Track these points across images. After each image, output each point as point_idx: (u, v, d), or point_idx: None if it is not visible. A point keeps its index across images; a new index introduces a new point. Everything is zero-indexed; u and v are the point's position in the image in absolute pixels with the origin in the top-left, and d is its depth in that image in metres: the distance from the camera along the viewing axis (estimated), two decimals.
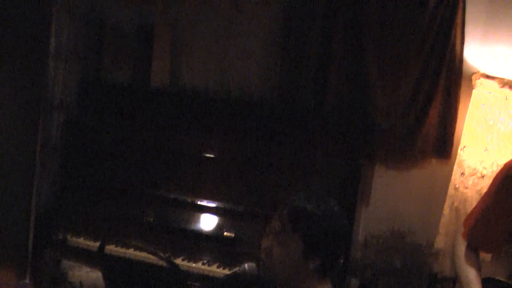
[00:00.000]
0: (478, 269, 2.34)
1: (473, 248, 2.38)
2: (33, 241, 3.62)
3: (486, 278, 2.34)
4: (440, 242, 3.48)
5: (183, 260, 3.42)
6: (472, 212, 2.43)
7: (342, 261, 2.18)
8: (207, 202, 3.60)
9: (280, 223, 2.13)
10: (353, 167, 3.59)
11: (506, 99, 3.35)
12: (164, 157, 3.75)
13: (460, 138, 3.47)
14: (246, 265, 2.13)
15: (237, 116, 3.79)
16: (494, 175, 2.44)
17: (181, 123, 3.84)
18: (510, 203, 2.18)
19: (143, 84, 4.08)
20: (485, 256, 3.01)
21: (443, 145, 3.58)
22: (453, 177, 3.45)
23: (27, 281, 2.72)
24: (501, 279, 2.35)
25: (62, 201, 3.78)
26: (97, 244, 3.40)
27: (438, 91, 3.55)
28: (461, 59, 3.51)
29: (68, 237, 3.55)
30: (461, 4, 3.48)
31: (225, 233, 3.49)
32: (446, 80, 3.54)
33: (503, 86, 3.33)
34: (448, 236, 3.42)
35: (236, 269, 2.16)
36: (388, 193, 3.67)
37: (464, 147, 3.42)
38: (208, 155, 3.69)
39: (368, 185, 3.69)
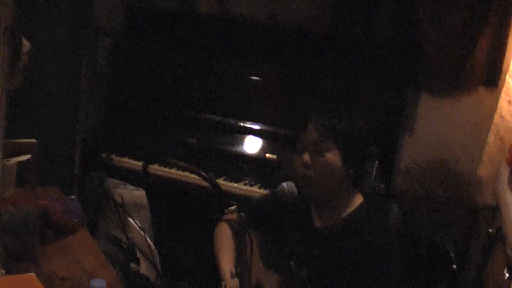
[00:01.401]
0: None
1: None
2: (80, 160, 3.70)
3: None
4: (483, 171, 3.45)
5: (225, 180, 3.49)
6: None
7: (374, 178, 2.21)
8: (250, 124, 3.64)
9: (313, 136, 2.15)
10: (397, 94, 3.56)
11: None
12: (208, 81, 3.78)
13: (510, 65, 3.39)
14: (285, 184, 2.15)
15: (284, 42, 3.78)
16: None
17: (227, 48, 3.87)
18: None
19: (190, 10, 4.06)
20: None
21: (492, 73, 3.51)
22: (499, 105, 3.39)
23: (73, 197, 2.79)
24: None
25: (108, 123, 3.88)
26: (141, 163, 3.47)
27: (489, 18, 3.46)
28: None
29: (113, 156, 3.65)
30: None
31: (267, 155, 3.53)
32: (497, 8, 3.45)
33: None
34: (492, 165, 3.38)
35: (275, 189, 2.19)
36: (433, 121, 3.63)
37: None
38: (253, 77, 3.70)
39: (413, 113, 3.65)
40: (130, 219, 2.80)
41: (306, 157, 2.16)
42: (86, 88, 3.67)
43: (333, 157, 2.13)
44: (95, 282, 1.71)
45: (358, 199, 2.24)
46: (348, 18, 3.72)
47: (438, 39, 3.51)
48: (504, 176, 2.40)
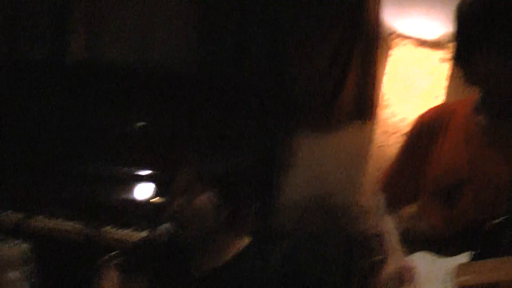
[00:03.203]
0: (398, 220, 2.41)
1: (392, 201, 2.45)
2: None
3: (406, 228, 2.41)
4: (364, 201, 3.55)
5: (112, 228, 3.42)
6: (388, 166, 2.50)
7: (255, 214, 2.25)
8: (134, 170, 3.61)
9: (188, 177, 2.18)
10: (271, 135, 3.65)
11: (425, 57, 3.44)
12: (84, 130, 3.72)
13: (381, 98, 3.55)
14: (162, 226, 2.17)
15: (158, 86, 3.77)
16: None
17: (102, 96, 3.80)
18: (419, 155, 2.25)
19: (59, 59, 3.99)
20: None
21: (364, 107, 3.65)
22: (376, 136, 3.53)
23: None
24: (421, 229, 2.41)
25: None
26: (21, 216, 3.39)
27: (355, 55, 3.61)
28: (377, 22, 3.58)
29: None
30: None
31: (152, 200, 3.52)
32: (363, 43, 3.61)
33: (420, 45, 3.42)
34: (372, 195, 3.49)
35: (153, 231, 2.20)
36: (310, 157, 3.72)
37: (386, 106, 3.50)
38: (134, 125, 3.68)
39: (289, 150, 3.72)
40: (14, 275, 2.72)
41: (174, 205, 2.19)
42: None
43: (202, 202, 2.16)
44: None
45: (239, 242, 2.27)
46: (218, 55, 3.79)
47: (306, 77, 3.62)
48: (380, 202, 2.48)
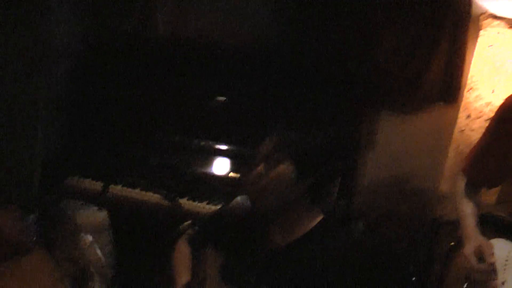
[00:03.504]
0: (476, 204, 2.35)
1: (472, 184, 2.39)
2: (40, 182, 3.67)
3: (484, 213, 2.35)
4: (445, 186, 3.48)
5: (188, 200, 3.46)
6: (472, 148, 2.44)
7: (334, 192, 2.20)
8: (213, 144, 3.63)
9: (268, 149, 2.15)
10: (358, 110, 3.58)
11: None
12: (169, 101, 3.77)
13: (467, 80, 3.44)
14: (238, 198, 2.14)
15: (243, 60, 3.76)
16: None
17: (188, 68, 3.83)
18: (506, 141, 2.18)
19: (149, 31, 4.06)
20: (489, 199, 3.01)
21: (449, 89, 3.55)
22: (459, 120, 3.43)
23: (31, 218, 2.76)
24: (501, 214, 2.35)
25: (70, 145, 3.84)
26: (102, 184, 3.46)
27: (444, 34, 3.50)
28: (468, 0, 3.44)
29: (76, 178, 3.63)
30: None
31: (230, 174, 3.52)
32: (452, 22, 3.49)
33: (511, 27, 3.28)
34: (453, 180, 3.41)
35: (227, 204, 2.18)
36: (394, 137, 3.66)
37: (471, 89, 3.39)
38: (216, 98, 3.70)
39: (373, 129, 3.67)
40: (86, 239, 2.79)
41: (259, 168, 2.15)
42: (44, 111, 3.65)
43: (286, 169, 2.13)
44: None
45: (317, 216, 2.23)
46: (307, 32, 3.74)
47: (394, 54, 3.54)
48: (461, 186, 2.42)
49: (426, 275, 3.20)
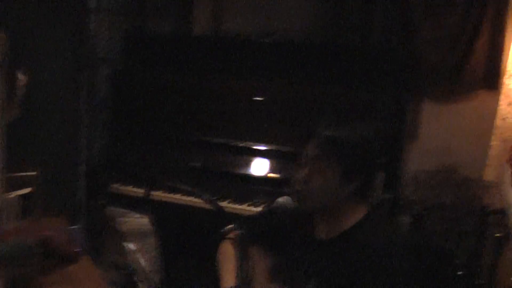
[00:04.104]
0: None
1: None
2: (84, 190, 3.71)
3: None
4: (489, 175, 3.42)
5: (229, 203, 3.47)
6: None
7: (380, 186, 2.17)
8: (252, 145, 3.63)
9: (315, 150, 2.13)
10: (400, 102, 3.54)
11: None
12: (209, 103, 3.78)
13: (507, 67, 3.37)
14: (281, 199, 2.12)
15: (283, 58, 3.77)
16: None
17: (227, 68, 3.86)
18: None
19: (186, 32, 4.08)
20: None
21: (491, 76, 3.50)
22: (500, 108, 3.37)
23: (77, 227, 2.80)
24: None
25: (112, 151, 3.89)
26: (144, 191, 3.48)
27: (485, 20, 3.46)
28: None
29: (118, 185, 3.67)
30: None
31: (269, 175, 3.51)
32: (493, 9, 3.44)
33: None
34: (497, 168, 3.35)
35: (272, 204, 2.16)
36: (436, 127, 3.62)
37: (511, 76, 3.33)
38: (255, 98, 3.69)
39: (416, 120, 3.63)
40: (130, 246, 2.80)
41: (302, 173, 2.14)
42: (86, 117, 3.69)
43: (329, 176, 2.11)
44: None
45: (362, 211, 2.21)
46: (345, 25, 3.72)
47: (436, 41, 3.50)
48: (507, 176, 2.37)
49: (475, 268, 3.15)
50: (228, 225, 2.30)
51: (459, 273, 3.00)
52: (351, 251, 2.13)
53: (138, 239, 3.19)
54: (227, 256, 2.37)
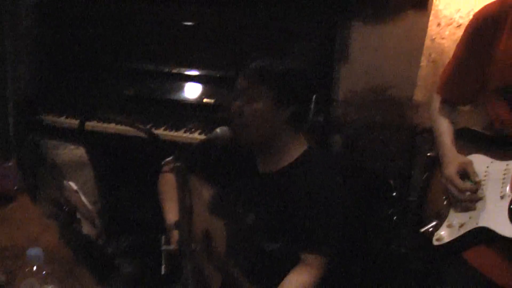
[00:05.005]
0: (452, 122, 2.36)
1: (447, 102, 2.39)
2: (15, 124, 3.63)
3: (460, 128, 2.36)
4: (419, 95, 3.49)
5: (164, 130, 3.46)
6: (445, 66, 2.42)
7: (312, 112, 2.21)
8: (186, 71, 3.59)
9: (244, 82, 2.14)
10: (329, 23, 3.53)
11: None
12: (139, 29, 3.70)
13: None
14: (218, 129, 2.13)
15: None
16: None
17: None
18: (480, 52, 2.16)
19: None
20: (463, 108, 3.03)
21: None
22: (429, 28, 3.41)
23: (10, 163, 2.74)
24: (476, 129, 2.36)
25: (42, 83, 3.78)
26: (78, 121, 3.43)
27: None
28: None
29: (50, 117, 3.59)
30: None
31: (204, 100, 3.50)
32: None
33: None
34: (427, 88, 3.42)
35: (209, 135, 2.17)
36: (367, 48, 3.63)
37: None
38: (186, 23, 3.63)
39: (345, 42, 3.64)
40: (66, 181, 2.79)
41: (235, 106, 2.15)
42: (11, 49, 3.56)
43: (262, 105, 2.13)
44: (31, 251, 1.69)
45: (302, 144, 2.24)
46: None
47: None
48: (436, 104, 2.43)
49: (406, 189, 3.26)
50: (166, 153, 2.30)
51: (393, 194, 3.10)
52: (291, 183, 2.18)
53: (74, 170, 3.17)
54: (167, 187, 2.39)
